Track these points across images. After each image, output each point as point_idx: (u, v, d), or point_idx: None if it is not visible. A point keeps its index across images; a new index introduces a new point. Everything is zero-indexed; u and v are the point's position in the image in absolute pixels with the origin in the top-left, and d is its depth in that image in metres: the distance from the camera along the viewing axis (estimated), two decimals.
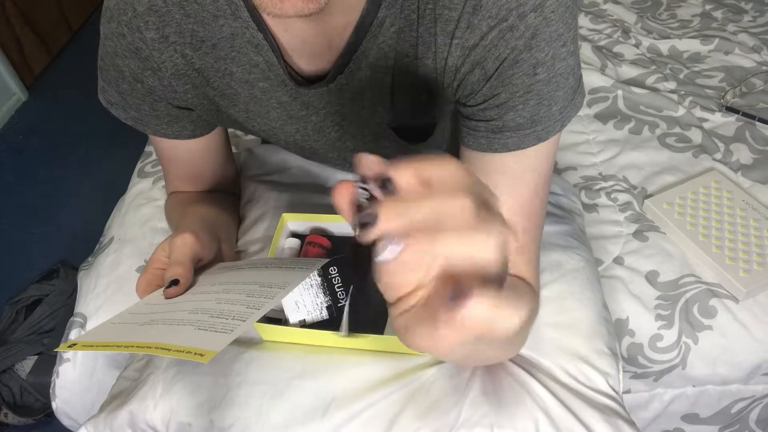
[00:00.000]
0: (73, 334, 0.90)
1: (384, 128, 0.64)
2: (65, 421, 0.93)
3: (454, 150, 0.69)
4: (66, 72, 2.50)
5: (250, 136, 1.20)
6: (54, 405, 0.91)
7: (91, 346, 0.44)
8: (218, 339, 0.43)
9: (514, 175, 0.56)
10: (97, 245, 1.04)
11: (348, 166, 0.79)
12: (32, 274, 1.54)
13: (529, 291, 0.58)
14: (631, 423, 0.60)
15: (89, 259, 1.02)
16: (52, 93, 2.40)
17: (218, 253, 0.63)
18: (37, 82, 2.44)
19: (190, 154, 0.72)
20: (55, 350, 0.44)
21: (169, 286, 0.52)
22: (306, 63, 0.58)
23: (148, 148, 1.22)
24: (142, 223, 1.01)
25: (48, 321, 1.39)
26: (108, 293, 0.93)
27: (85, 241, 1.26)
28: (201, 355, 0.41)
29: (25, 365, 1.34)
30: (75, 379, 0.90)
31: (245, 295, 0.51)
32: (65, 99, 2.35)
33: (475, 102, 0.55)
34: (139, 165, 1.18)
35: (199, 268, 0.57)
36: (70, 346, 0.44)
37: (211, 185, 0.78)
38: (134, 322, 0.50)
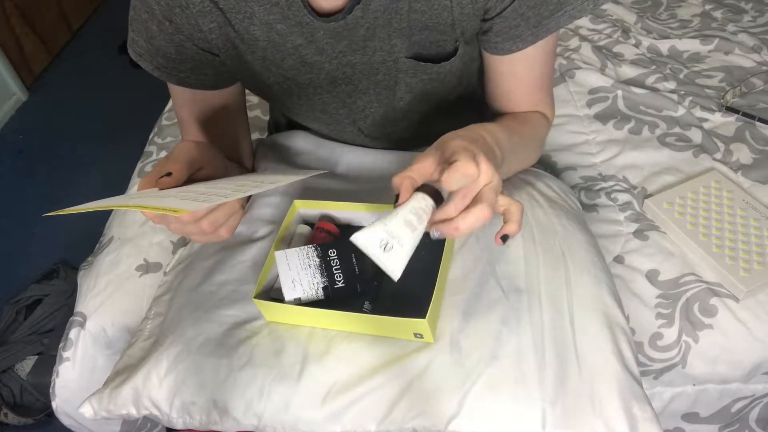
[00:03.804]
0: (73, 334, 0.90)
1: (401, 63, 0.68)
2: (65, 421, 0.93)
3: (464, 76, 0.75)
4: (66, 72, 2.50)
5: (255, 135, 1.20)
6: (54, 405, 0.91)
7: (79, 210, 0.50)
8: (195, 205, 0.49)
9: (546, 51, 0.69)
10: (97, 245, 1.05)
11: (356, 129, 0.80)
12: (32, 274, 1.54)
13: (543, 121, 0.76)
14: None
15: (89, 258, 1.02)
16: (52, 93, 2.40)
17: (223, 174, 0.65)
18: (37, 82, 2.44)
19: (209, 108, 0.75)
20: (45, 215, 0.51)
21: (161, 179, 0.56)
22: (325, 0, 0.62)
23: (149, 148, 1.22)
24: (142, 222, 1.01)
25: (48, 321, 1.39)
26: (108, 292, 0.93)
27: (85, 241, 1.26)
28: (175, 211, 0.47)
29: (25, 365, 1.34)
30: (75, 378, 0.90)
31: (234, 185, 0.56)
32: (65, 99, 2.35)
33: (506, 5, 0.62)
34: (139, 165, 1.18)
35: (199, 179, 0.61)
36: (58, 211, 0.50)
37: (226, 151, 0.79)
38: (125, 197, 0.55)
